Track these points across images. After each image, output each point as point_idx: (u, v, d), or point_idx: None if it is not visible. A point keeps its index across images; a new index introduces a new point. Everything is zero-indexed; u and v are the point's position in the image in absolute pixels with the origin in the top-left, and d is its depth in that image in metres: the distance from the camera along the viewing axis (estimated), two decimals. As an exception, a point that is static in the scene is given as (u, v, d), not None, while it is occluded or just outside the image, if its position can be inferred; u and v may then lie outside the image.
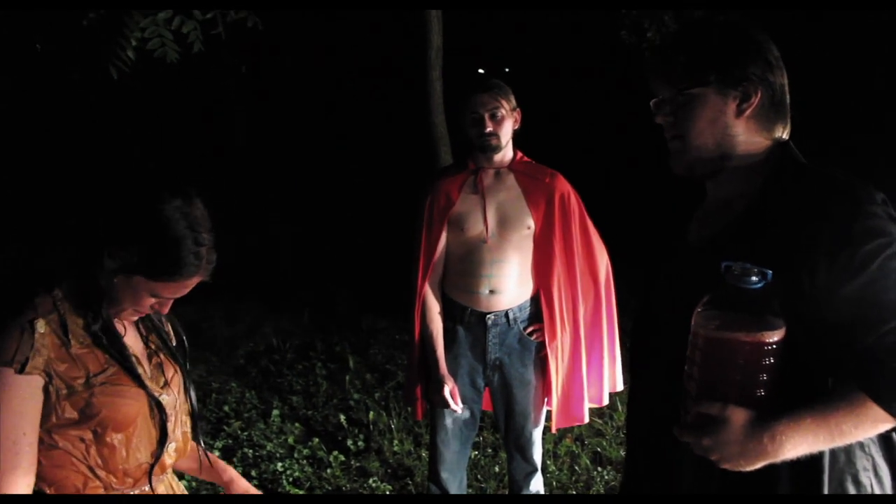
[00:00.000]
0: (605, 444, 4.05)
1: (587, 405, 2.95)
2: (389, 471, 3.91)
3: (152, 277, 1.44)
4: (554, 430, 3.05)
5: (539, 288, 2.85)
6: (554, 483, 3.71)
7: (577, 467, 3.85)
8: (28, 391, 1.40)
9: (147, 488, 1.56)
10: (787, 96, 1.44)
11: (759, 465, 1.26)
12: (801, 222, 1.31)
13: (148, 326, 1.64)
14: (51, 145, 9.96)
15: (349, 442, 4.15)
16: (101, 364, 1.48)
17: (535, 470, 3.01)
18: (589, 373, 2.94)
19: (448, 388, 2.76)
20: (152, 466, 1.56)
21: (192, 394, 1.67)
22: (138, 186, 1.47)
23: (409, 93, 6.14)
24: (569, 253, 2.86)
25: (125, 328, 1.57)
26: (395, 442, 4.11)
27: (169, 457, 1.61)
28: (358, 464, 3.97)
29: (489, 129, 2.70)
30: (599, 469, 3.82)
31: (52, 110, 9.99)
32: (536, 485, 3.03)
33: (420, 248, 2.83)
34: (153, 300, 1.50)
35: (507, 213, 2.79)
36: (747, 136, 1.42)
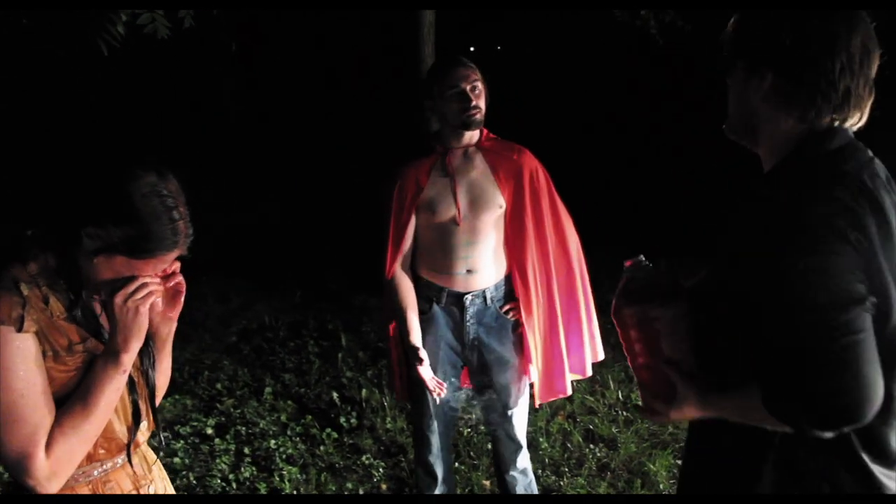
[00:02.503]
0: (597, 421, 4.07)
1: (569, 377, 2.95)
2: (382, 448, 3.92)
3: (133, 256, 1.45)
4: (537, 405, 3.05)
5: (513, 265, 2.84)
6: (546, 460, 3.73)
7: (569, 444, 3.87)
8: (31, 347, 1.42)
9: (120, 460, 1.60)
10: (837, 85, 1.39)
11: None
12: (764, 216, 1.41)
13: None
14: (38, 128, 9.88)
15: (342, 419, 4.16)
16: (79, 336, 1.50)
17: (521, 447, 3.02)
18: (568, 345, 2.93)
19: (426, 372, 2.72)
20: (129, 443, 1.60)
21: (152, 374, 1.66)
22: (111, 165, 1.46)
23: (401, 70, 6.10)
24: (540, 228, 2.83)
25: (99, 307, 1.58)
26: (388, 419, 4.12)
27: (142, 434, 1.65)
28: (351, 441, 3.98)
29: (473, 101, 2.64)
30: (591, 446, 3.84)
31: (36, 92, 9.90)
32: (523, 461, 3.05)
33: (389, 235, 2.78)
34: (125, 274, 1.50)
35: (478, 193, 2.74)
36: (770, 117, 1.47)
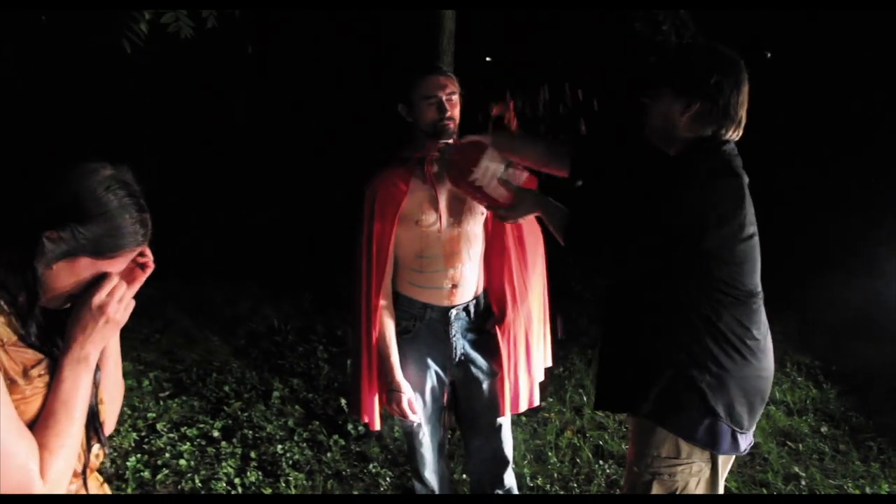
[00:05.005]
0: (606, 437, 4.03)
1: (537, 386, 2.91)
2: (389, 457, 3.89)
3: (99, 255, 1.37)
4: (504, 413, 2.84)
5: (493, 276, 2.78)
6: (555, 475, 3.70)
7: (578, 460, 3.84)
8: None
9: (75, 487, 1.48)
10: (734, 111, 2.07)
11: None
12: (666, 170, 2.11)
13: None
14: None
15: (349, 426, 4.13)
16: (34, 359, 1.37)
17: (508, 463, 2.91)
18: (535, 354, 2.87)
19: (405, 399, 2.64)
20: (85, 466, 1.49)
21: (97, 392, 1.52)
22: (63, 163, 1.36)
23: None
24: (519, 236, 2.78)
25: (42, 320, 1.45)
26: (396, 428, 4.09)
27: (95, 458, 1.53)
28: (358, 448, 3.95)
29: (447, 112, 2.55)
30: (601, 462, 3.80)
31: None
32: (510, 480, 2.95)
33: (365, 249, 2.65)
34: (88, 280, 1.40)
35: (460, 201, 2.65)
36: (684, 129, 2.10)
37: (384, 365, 2.67)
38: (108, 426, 1.57)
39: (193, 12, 3.99)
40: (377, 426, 2.82)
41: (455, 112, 2.58)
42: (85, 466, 1.48)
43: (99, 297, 1.38)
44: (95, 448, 1.52)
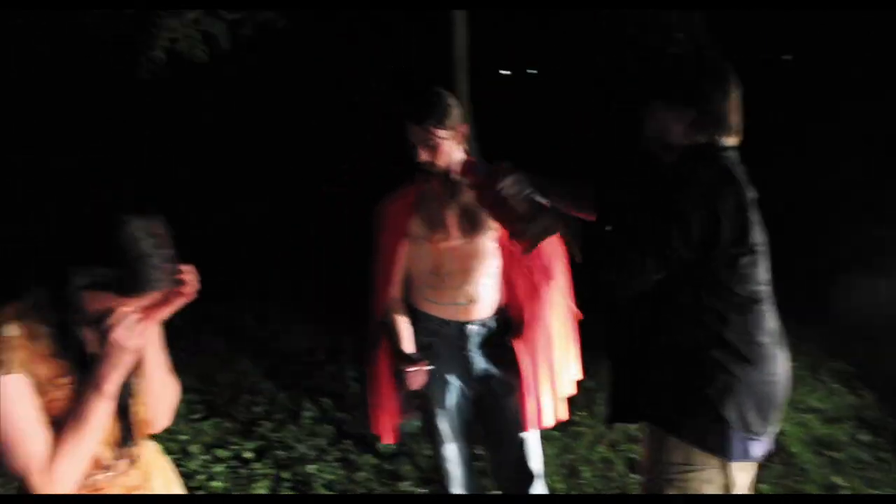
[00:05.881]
0: (639, 449, 3.99)
1: (563, 401, 2.88)
2: (421, 475, 3.88)
3: (121, 293, 1.53)
4: (527, 429, 2.83)
5: (510, 290, 2.77)
6: (589, 490, 3.66)
7: (611, 473, 3.80)
8: (20, 385, 1.53)
9: (101, 476, 1.68)
10: (727, 117, 2.12)
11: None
12: (666, 181, 2.11)
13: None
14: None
15: (380, 445, 4.12)
16: (63, 370, 1.60)
17: (535, 478, 2.87)
18: (558, 368, 2.84)
19: (415, 368, 2.65)
20: (117, 458, 1.70)
21: (128, 395, 1.71)
22: (98, 208, 1.54)
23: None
24: (537, 247, 2.77)
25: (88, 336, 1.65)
26: (427, 446, 4.08)
27: (135, 448, 1.75)
28: (390, 467, 3.95)
29: (423, 158, 2.57)
30: (634, 475, 3.76)
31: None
32: (539, 495, 2.92)
33: (380, 269, 2.73)
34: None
35: (471, 216, 2.67)
36: (680, 137, 2.14)
37: (395, 342, 2.71)
38: (159, 422, 1.82)
39: (206, 36, 4.06)
40: (392, 440, 2.90)
41: (434, 156, 2.56)
42: (117, 458, 1.70)
43: (110, 330, 1.55)
44: (129, 443, 1.72)
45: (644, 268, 2.03)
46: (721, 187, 2.04)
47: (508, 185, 2.37)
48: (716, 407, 2.08)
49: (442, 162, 2.58)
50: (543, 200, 2.42)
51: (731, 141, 2.16)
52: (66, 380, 1.59)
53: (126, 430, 1.70)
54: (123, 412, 1.69)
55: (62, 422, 1.56)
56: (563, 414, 2.89)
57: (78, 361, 1.61)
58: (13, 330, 1.54)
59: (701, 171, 2.06)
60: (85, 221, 1.54)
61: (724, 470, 2.14)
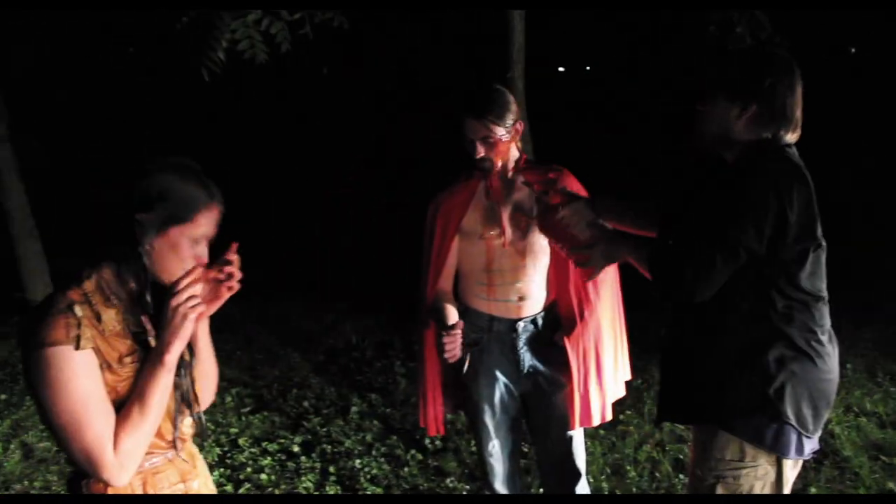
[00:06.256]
0: (686, 450, 3.94)
1: (610, 401, 2.85)
2: (467, 471, 3.89)
3: (183, 219, 1.64)
4: (574, 427, 2.82)
5: (560, 288, 2.76)
6: (634, 490, 3.63)
7: (657, 474, 3.76)
8: (89, 363, 1.57)
9: (170, 454, 1.76)
10: (790, 111, 2.09)
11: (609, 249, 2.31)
12: (725, 175, 2.11)
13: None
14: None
15: (427, 441, 4.15)
16: (129, 348, 1.65)
17: (580, 476, 2.88)
18: (606, 367, 2.82)
19: (454, 333, 2.56)
20: (175, 436, 1.75)
21: (187, 376, 1.78)
22: (142, 163, 1.68)
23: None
24: None
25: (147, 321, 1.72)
26: (473, 442, 4.09)
27: (187, 428, 1.80)
28: (435, 463, 3.97)
29: (481, 154, 2.57)
30: (681, 476, 3.72)
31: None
32: (582, 490, 2.91)
33: (431, 261, 2.75)
34: (193, 250, 1.68)
35: (524, 214, 2.68)
36: (741, 133, 2.12)
37: (440, 317, 2.67)
38: (205, 400, 1.87)
39: (267, 38, 4.11)
40: (438, 431, 2.90)
41: (492, 153, 2.57)
42: (175, 437, 1.75)
43: (175, 300, 1.63)
44: (188, 420, 1.79)
45: (715, 265, 1.99)
46: (791, 181, 2.01)
47: (569, 215, 2.35)
48: (775, 403, 2.06)
49: (498, 158, 2.60)
50: (604, 224, 2.39)
51: (792, 136, 2.13)
52: (132, 358, 1.64)
53: (182, 404, 1.76)
54: (179, 387, 1.74)
55: (127, 399, 1.62)
56: (609, 414, 2.88)
57: (144, 340, 1.67)
58: (82, 309, 1.58)
59: (770, 165, 2.03)
60: (135, 173, 1.66)
61: (778, 466, 2.13)
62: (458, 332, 2.57)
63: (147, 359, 1.64)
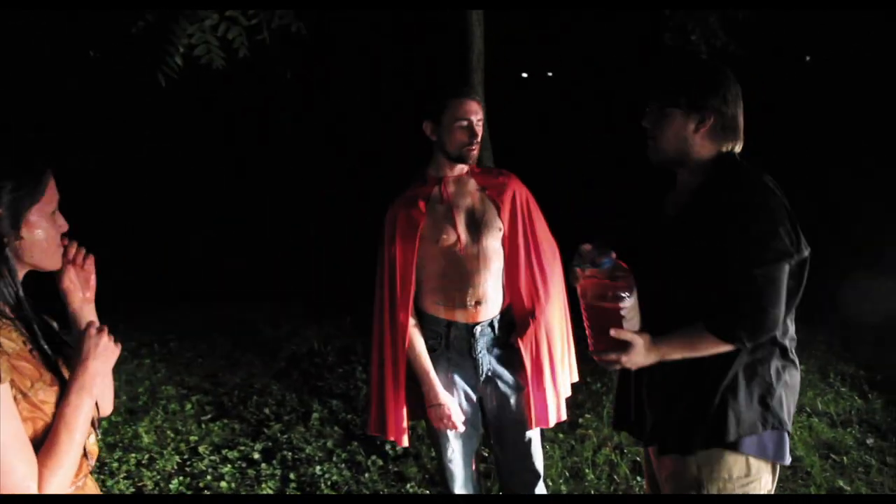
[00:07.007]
0: (644, 452, 4.00)
1: (563, 402, 2.91)
2: (427, 476, 3.91)
3: (36, 198, 1.54)
4: (532, 427, 2.86)
5: (513, 290, 2.80)
6: (592, 492, 3.68)
7: (615, 476, 3.82)
8: (9, 399, 1.40)
9: (82, 483, 1.61)
10: (739, 122, 2.09)
11: (650, 363, 2.04)
12: (721, 206, 2.00)
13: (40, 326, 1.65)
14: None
15: (387, 446, 4.16)
16: (38, 372, 1.52)
17: (539, 476, 2.92)
18: (559, 367, 2.87)
19: (451, 411, 2.70)
20: (88, 466, 1.63)
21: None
22: None
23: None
24: (536, 249, 2.80)
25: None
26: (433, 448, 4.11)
27: (93, 448, 1.67)
28: (396, 469, 3.98)
29: (477, 137, 2.62)
30: (639, 479, 3.78)
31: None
32: (541, 491, 2.96)
33: (387, 271, 2.73)
34: (56, 225, 1.61)
35: (478, 218, 2.71)
36: (700, 147, 2.08)
37: (424, 381, 2.72)
38: (105, 408, 1.76)
39: (224, 43, 4.09)
40: (405, 443, 2.87)
41: (475, 138, 2.63)
42: (88, 466, 1.62)
43: (94, 327, 1.59)
44: (91, 439, 1.65)
45: (776, 285, 1.94)
46: (777, 198, 1.99)
47: (629, 307, 2.02)
48: (777, 415, 2.07)
49: (476, 147, 2.63)
50: (659, 346, 2.06)
51: (739, 147, 2.12)
52: (39, 384, 1.50)
53: (93, 426, 1.65)
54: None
55: (50, 433, 1.48)
56: (564, 414, 2.92)
57: (56, 354, 1.59)
58: None
59: (752, 178, 2.02)
60: None
61: (773, 473, 2.14)
62: (447, 405, 2.68)
63: (69, 390, 1.52)
